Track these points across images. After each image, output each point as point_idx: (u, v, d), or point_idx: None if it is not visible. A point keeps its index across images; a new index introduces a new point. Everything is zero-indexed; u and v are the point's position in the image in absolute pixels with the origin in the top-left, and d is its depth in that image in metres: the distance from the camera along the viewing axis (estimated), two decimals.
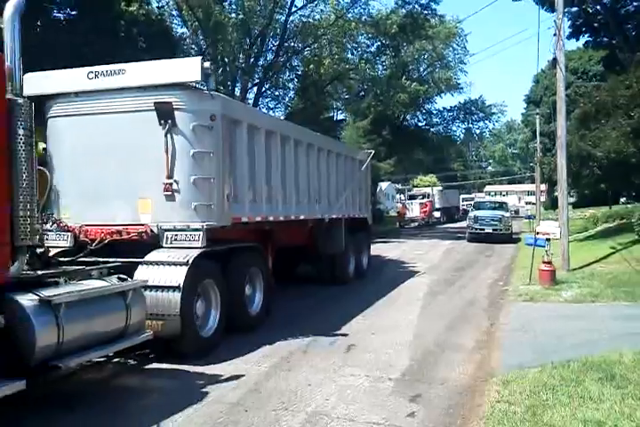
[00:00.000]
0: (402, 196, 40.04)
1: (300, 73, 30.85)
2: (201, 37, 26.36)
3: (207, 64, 6.54)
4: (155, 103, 6.47)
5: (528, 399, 4.59)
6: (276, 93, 32.27)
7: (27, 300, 4.39)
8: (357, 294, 10.55)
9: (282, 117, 28.96)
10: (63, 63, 11.48)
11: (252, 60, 27.63)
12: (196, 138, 6.63)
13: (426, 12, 27.56)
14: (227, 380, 5.51)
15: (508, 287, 10.80)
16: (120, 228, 6.63)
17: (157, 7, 18.92)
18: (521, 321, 7.64)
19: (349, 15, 27.75)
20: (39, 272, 4.92)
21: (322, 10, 28.57)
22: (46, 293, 4.51)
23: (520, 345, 6.46)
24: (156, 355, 6.23)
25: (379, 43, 31.57)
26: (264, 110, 31.17)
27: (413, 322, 8.12)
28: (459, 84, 41.85)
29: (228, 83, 26.80)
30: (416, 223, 37.43)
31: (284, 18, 27.43)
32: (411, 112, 41.22)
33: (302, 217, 9.37)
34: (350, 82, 32.20)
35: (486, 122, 46.10)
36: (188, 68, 6.52)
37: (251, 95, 28.65)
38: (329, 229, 10.64)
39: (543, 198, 43.98)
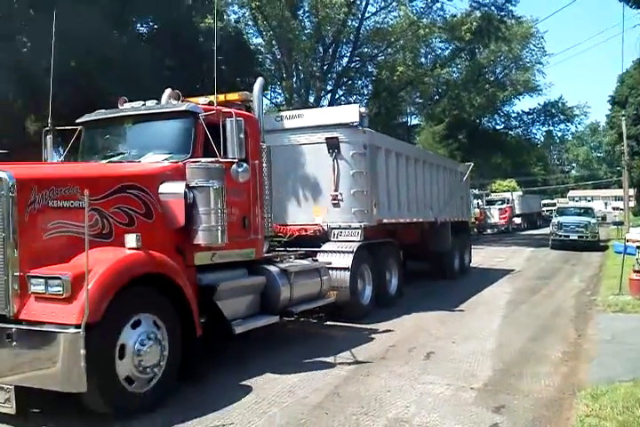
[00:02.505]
0: (480, 201, 39.04)
1: (373, 79, 30.88)
2: (276, 47, 26.94)
3: (363, 109, 9.12)
4: (326, 138, 8.88)
5: (621, 415, 4.35)
6: (350, 100, 32.42)
7: (273, 269, 6.98)
8: (436, 303, 10.36)
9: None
10: (147, 75, 12.17)
11: (325, 67, 27.95)
12: (354, 162, 8.93)
13: (502, 13, 26.79)
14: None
15: (596, 297, 10.26)
16: (302, 226, 8.88)
17: (235, 21, 19.51)
18: (610, 333, 7.25)
19: (423, 20, 27.48)
20: (272, 253, 7.52)
21: (395, 16, 28.52)
22: (282, 266, 7.18)
23: (610, 358, 6.14)
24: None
25: (453, 46, 31.08)
26: None
27: (495, 331, 7.89)
28: (537, 85, 40.45)
29: (302, 91, 27.23)
30: (495, 229, 36.32)
31: (356, 24, 27.60)
32: (488, 115, 40.24)
33: (420, 220, 11.39)
34: (424, 86, 31.88)
35: (568, 124, 44.31)
36: (349, 113, 9.10)
37: (325, 102, 28.98)
38: (439, 231, 12.51)
39: (632, 204, 41.60)
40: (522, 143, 41.81)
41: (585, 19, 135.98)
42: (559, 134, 49.07)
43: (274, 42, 26.17)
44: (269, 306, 6.73)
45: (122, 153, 6.30)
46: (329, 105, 28.81)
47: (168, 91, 6.84)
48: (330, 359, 6.40)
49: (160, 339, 4.94)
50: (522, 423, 4.59)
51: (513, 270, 15.18)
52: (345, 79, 28.81)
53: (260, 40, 27.57)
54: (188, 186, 5.58)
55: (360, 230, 8.77)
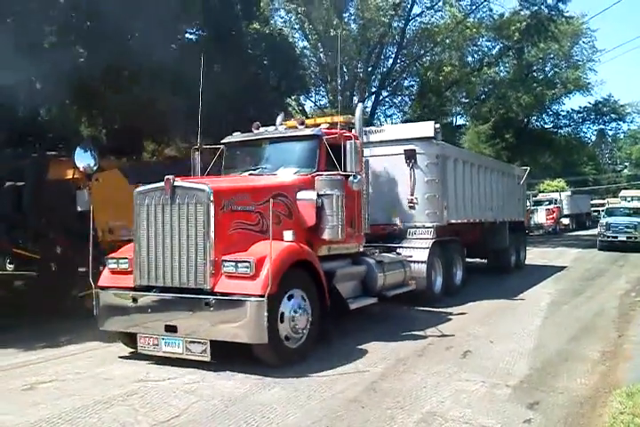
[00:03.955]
0: (527, 201, 38.29)
1: (418, 79, 30.77)
2: (321, 50, 27.22)
3: (437, 126, 10.41)
4: (404, 150, 10.17)
5: None
6: (394, 101, 32.41)
7: (371, 260, 8.51)
8: (476, 304, 10.43)
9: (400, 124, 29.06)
10: (196, 82, 12.59)
11: (369, 68, 28.04)
12: (428, 170, 10.31)
13: (552, 13, 26.22)
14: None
15: None
16: (382, 226, 10.02)
17: (281, 28, 19.90)
18: None
19: (470, 19, 27.26)
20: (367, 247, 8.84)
21: (441, 15, 28.37)
22: (376, 258, 8.69)
23: None
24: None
25: (501, 45, 30.65)
26: (381, 118, 31.52)
27: (534, 331, 7.94)
28: (588, 83, 39.31)
29: (347, 93, 27.41)
30: (542, 230, 35.61)
31: (402, 25, 27.57)
32: (536, 114, 39.39)
33: (482, 220, 12.57)
34: (470, 86, 31.53)
35: (620, 123, 42.89)
36: (424, 129, 10.46)
37: (368, 103, 29.07)
38: (497, 230, 13.70)
39: None
40: (571, 142, 40.70)
41: (637, 13, 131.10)
42: (611, 133, 47.49)
43: (319, 45, 26.47)
44: (368, 290, 8.30)
45: (259, 168, 8.02)
46: (373, 106, 28.94)
47: (281, 115, 9.69)
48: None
49: (306, 309, 6.52)
50: (555, 419, 4.70)
51: (558, 271, 15.00)
52: (390, 80, 28.82)
53: (304, 43, 27.95)
54: (317, 194, 7.22)
55: (433, 229, 10.17)
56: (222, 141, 8.68)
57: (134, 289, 6.57)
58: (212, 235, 6.20)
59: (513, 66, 33.45)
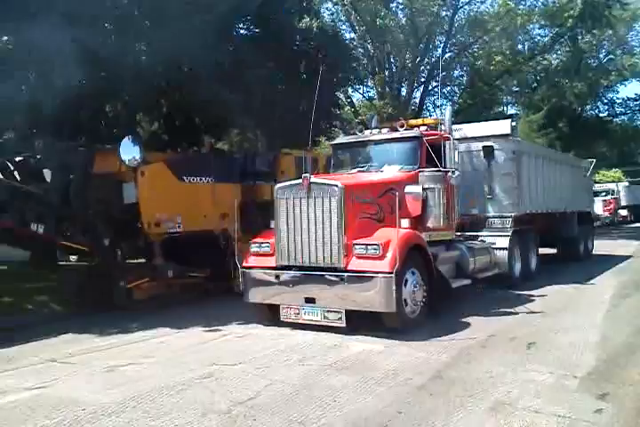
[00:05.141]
0: None
1: (468, 69, 30.30)
2: (368, 41, 27.12)
3: (514, 123, 11.31)
4: (483, 146, 10.91)
5: None
6: (444, 91, 31.98)
7: (463, 246, 9.54)
8: (546, 290, 10.49)
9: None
10: (251, 77, 12.86)
11: (418, 58, 27.79)
12: (505, 165, 11.11)
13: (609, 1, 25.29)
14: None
15: None
16: (463, 216, 10.29)
17: (331, 21, 19.95)
18: None
19: (521, 7, 26.63)
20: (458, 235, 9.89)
21: (491, 4, 27.83)
22: (467, 244, 9.80)
23: None
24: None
25: (553, 32, 29.82)
26: (430, 109, 31.20)
27: (598, 324, 7.85)
28: None
29: (395, 84, 27.28)
30: (599, 222, 34.53)
31: (450, 14, 27.18)
32: (590, 102, 38.26)
33: (553, 210, 13.32)
34: (522, 74, 30.86)
35: None
36: (502, 126, 11.35)
37: (417, 94, 28.85)
38: (567, 220, 14.45)
39: None
40: (627, 131, 39.38)
41: None
42: None
43: (366, 36, 26.38)
44: (461, 272, 9.22)
45: (366, 166, 9.15)
46: (421, 97, 28.73)
47: (376, 117, 11.18)
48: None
49: (422, 285, 7.69)
50: (627, 411, 4.70)
51: (621, 263, 14.78)
52: (438, 70, 28.47)
53: (352, 35, 27.89)
54: (422, 188, 8.24)
55: (511, 219, 11.02)
56: (332, 143, 10.31)
57: (275, 268, 7.91)
58: (343, 223, 7.45)
59: (566, 53, 32.53)
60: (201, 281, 10.78)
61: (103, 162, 9.87)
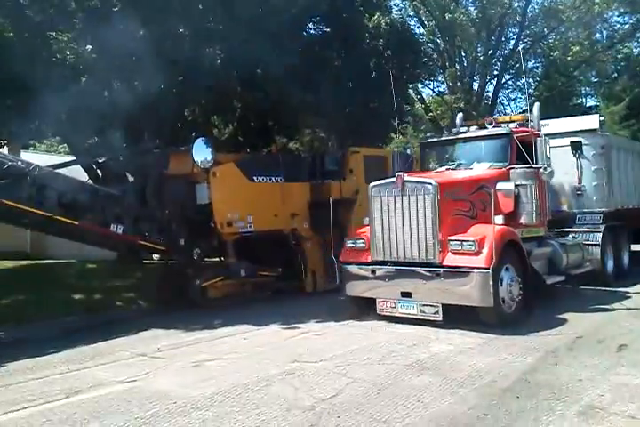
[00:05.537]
0: None
1: (543, 60, 29.22)
2: (438, 35, 26.68)
3: (602, 118, 11.40)
4: (570, 142, 10.72)
5: None
6: (517, 83, 30.99)
7: (555, 242, 9.44)
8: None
9: (524, 108, 27.91)
10: (320, 76, 12.95)
11: (490, 51, 27.09)
12: (594, 160, 10.95)
13: None
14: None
15: None
16: (555, 212, 10.23)
17: (400, 17, 19.74)
18: None
19: None
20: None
21: None
22: (559, 240, 9.67)
23: None
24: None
25: (634, 20, 28.26)
26: (504, 102, 30.34)
27: None
28: None
29: (466, 78, 26.71)
30: None
31: (523, 4, 26.30)
32: None
33: None
34: (601, 64, 29.43)
35: None
36: (590, 121, 11.28)
37: (490, 88, 28.15)
38: None
39: None
40: None
41: None
42: None
43: (436, 30, 25.98)
44: (554, 269, 9.16)
45: (455, 163, 9.28)
46: (494, 90, 28.01)
47: (461, 115, 10.93)
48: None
49: (518, 281, 7.75)
50: None
51: None
52: (512, 62, 27.65)
53: (421, 30, 27.52)
54: (514, 184, 8.26)
55: (601, 215, 10.89)
56: (420, 141, 10.68)
57: (370, 263, 8.24)
58: (438, 220, 7.69)
59: None
60: (272, 280, 10.97)
61: (177, 164, 10.25)
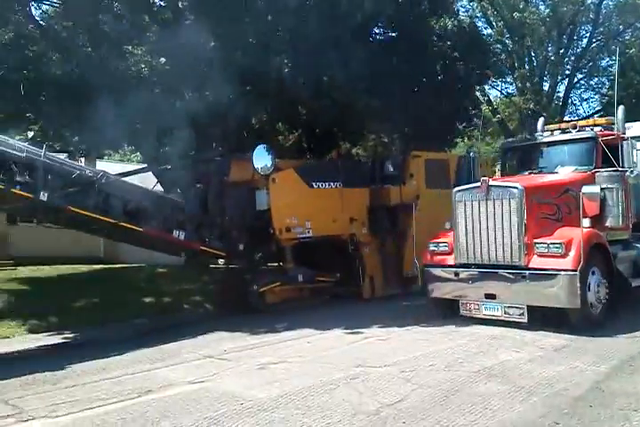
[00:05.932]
0: None
1: (618, 58, 27.91)
2: (507, 35, 26.04)
3: None
4: None
5: None
6: (590, 83, 29.77)
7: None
8: None
9: (597, 108, 26.90)
10: (387, 81, 12.94)
11: (561, 50, 26.18)
12: None
13: None
14: None
15: None
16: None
17: (469, 17, 19.42)
18: None
19: None
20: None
21: None
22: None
23: None
24: None
25: None
26: (576, 102, 29.21)
27: None
28: None
29: (536, 78, 25.90)
30: None
31: (597, 1, 25.28)
32: None
33: None
34: None
35: None
36: None
37: (561, 88, 27.16)
38: None
39: None
40: None
41: None
42: None
43: (505, 31, 25.37)
44: (639, 272, 8.92)
45: (538, 167, 9.40)
46: (566, 90, 27.00)
47: (541, 120, 10.51)
48: None
49: (604, 283, 7.76)
50: None
51: None
52: (585, 61, 26.60)
53: (489, 31, 26.94)
54: (600, 187, 8.24)
55: None
56: (501, 146, 10.85)
57: (454, 266, 8.45)
58: (524, 223, 7.82)
59: None
60: (330, 285, 10.99)
61: (238, 170, 10.47)
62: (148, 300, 10.97)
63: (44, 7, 13.98)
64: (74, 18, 11.92)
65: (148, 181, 11.68)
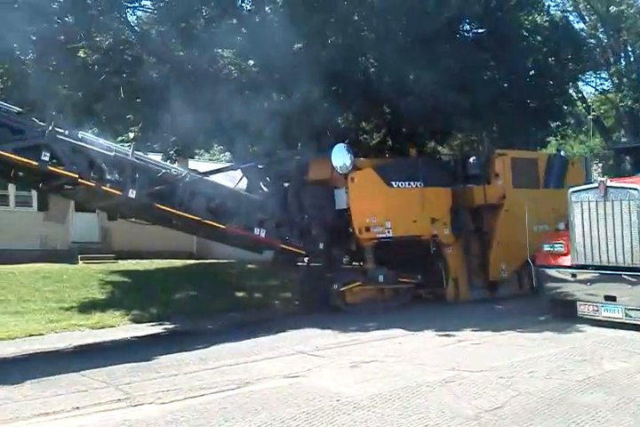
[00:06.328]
0: None
1: None
2: (600, 30, 24.81)
3: None
4: None
5: None
6: None
7: None
8: None
9: None
10: (475, 79, 12.65)
11: None
12: None
13: None
14: None
15: None
16: None
17: (561, 11, 18.69)
18: None
19: None
20: None
21: None
22: None
23: None
24: None
25: None
26: None
27: None
28: None
29: (634, 75, 24.49)
30: None
31: None
32: None
33: None
34: None
35: None
36: None
37: None
38: None
39: None
40: None
41: None
42: None
43: (598, 25, 24.18)
44: None
45: None
46: None
47: None
48: None
49: None
50: None
51: None
52: None
53: (581, 25, 25.78)
54: None
55: None
56: (614, 147, 11.12)
57: (570, 267, 8.35)
58: None
59: None
60: (412, 287, 10.85)
61: (318, 169, 10.58)
62: (239, 294, 11.33)
63: (139, 13, 14.69)
64: (166, 23, 12.42)
65: (234, 179, 12.02)
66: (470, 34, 15.59)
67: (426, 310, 10.23)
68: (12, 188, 16.59)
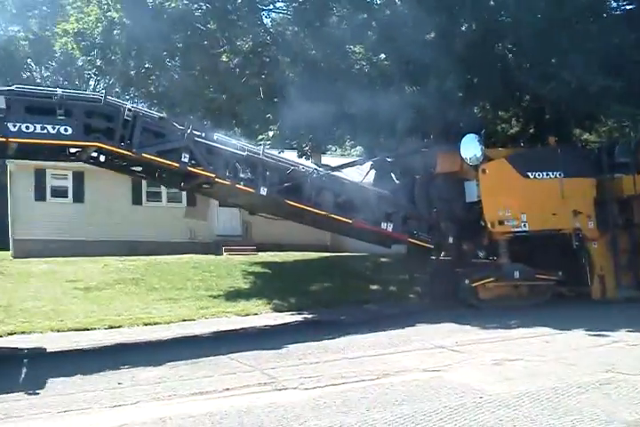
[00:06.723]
0: None
1: None
2: None
3: None
4: None
5: None
6: None
7: None
8: None
9: None
10: (626, 59, 11.57)
11: None
12: None
13: None
14: None
15: None
16: None
17: None
18: None
19: None
20: None
21: None
22: None
23: None
24: None
25: None
26: None
27: None
28: None
29: None
30: None
31: None
32: None
33: None
34: None
35: None
36: None
37: None
38: None
39: None
40: None
41: None
42: None
43: None
44: None
45: None
46: None
47: None
48: None
49: None
50: None
51: None
52: None
53: None
54: None
55: None
56: None
57: None
58: None
59: None
60: (551, 284, 10.24)
61: (446, 162, 10.30)
62: (373, 287, 11.44)
63: (273, 15, 15.24)
64: (300, 23, 12.75)
65: (361, 174, 12.06)
66: (618, 11, 14.37)
67: (570, 309, 9.67)
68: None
